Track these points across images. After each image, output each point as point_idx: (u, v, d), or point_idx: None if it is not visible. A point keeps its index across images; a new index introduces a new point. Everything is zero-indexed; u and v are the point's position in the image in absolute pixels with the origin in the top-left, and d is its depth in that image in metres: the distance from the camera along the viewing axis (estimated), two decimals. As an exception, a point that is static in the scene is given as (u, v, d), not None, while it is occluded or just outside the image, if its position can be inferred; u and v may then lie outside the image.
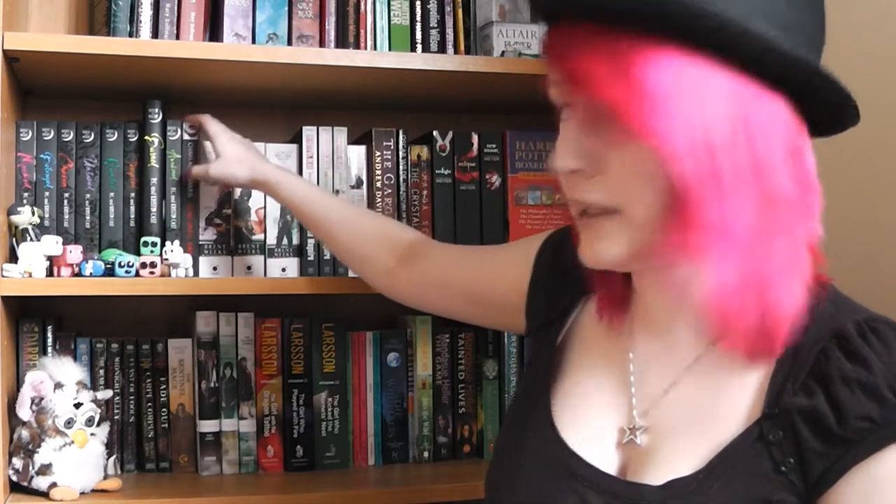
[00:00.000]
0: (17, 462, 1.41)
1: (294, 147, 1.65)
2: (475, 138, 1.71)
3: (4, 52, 1.41)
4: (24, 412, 1.41)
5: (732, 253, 0.78)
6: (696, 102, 0.77)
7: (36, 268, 1.42)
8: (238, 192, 1.61)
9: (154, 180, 1.56)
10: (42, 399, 1.43)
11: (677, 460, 0.83)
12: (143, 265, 1.47)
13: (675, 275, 0.86)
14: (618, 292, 0.94)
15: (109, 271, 1.47)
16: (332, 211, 1.39)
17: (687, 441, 0.84)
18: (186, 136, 1.58)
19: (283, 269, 1.62)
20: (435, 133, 1.70)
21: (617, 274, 0.93)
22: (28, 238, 1.45)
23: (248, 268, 1.61)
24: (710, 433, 0.83)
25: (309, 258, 1.63)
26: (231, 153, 1.49)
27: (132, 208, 1.57)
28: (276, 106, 1.77)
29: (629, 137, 0.79)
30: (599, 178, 0.82)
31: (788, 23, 0.79)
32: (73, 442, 1.42)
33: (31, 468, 1.41)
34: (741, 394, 0.84)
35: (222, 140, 1.50)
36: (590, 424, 0.91)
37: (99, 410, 1.47)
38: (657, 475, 0.83)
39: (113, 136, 1.57)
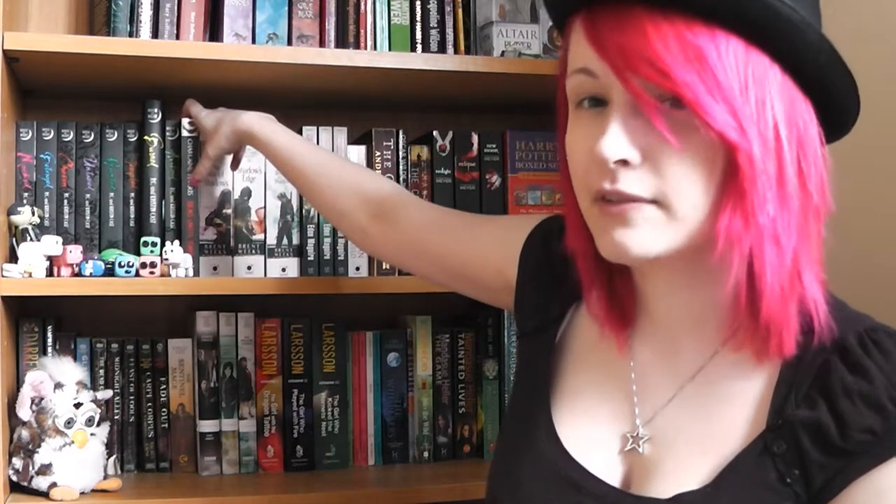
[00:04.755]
0: (17, 462, 1.41)
1: (294, 147, 1.65)
2: (475, 138, 1.71)
3: (4, 52, 1.41)
4: (24, 412, 1.41)
5: (780, 249, 0.78)
6: (764, 98, 0.77)
7: (36, 268, 1.42)
8: (238, 192, 1.61)
9: (153, 180, 1.56)
10: (42, 399, 1.43)
11: (683, 473, 0.83)
12: (143, 265, 1.47)
13: (697, 271, 0.84)
14: (626, 299, 0.91)
15: (109, 271, 1.47)
16: (311, 161, 1.35)
17: (692, 453, 0.83)
18: (185, 134, 1.58)
19: (283, 269, 1.62)
20: (435, 133, 1.70)
21: (626, 278, 0.91)
22: (28, 238, 1.45)
23: (249, 268, 1.61)
24: (715, 445, 0.83)
25: (309, 258, 1.63)
26: (210, 125, 1.50)
27: (132, 208, 1.57)
28: (276, 106, 1.76)
29: (691, 130, 0.76)
30: (646, 169, 0.78)
31: (819, 25, 0.81)
32: (73, 442, 1.42)
33: (31, 468, 1.41)
34: (745, 405, 0.83)
35: (201, 118, 1.53)
36: (592, 432, 0.90)
37: (99, 410, 1.47)
38: (664, 488, 0.83)
39: (113, 136, 1.57)
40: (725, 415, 0.83)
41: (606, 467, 0.87)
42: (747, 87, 0.76)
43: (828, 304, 0.82)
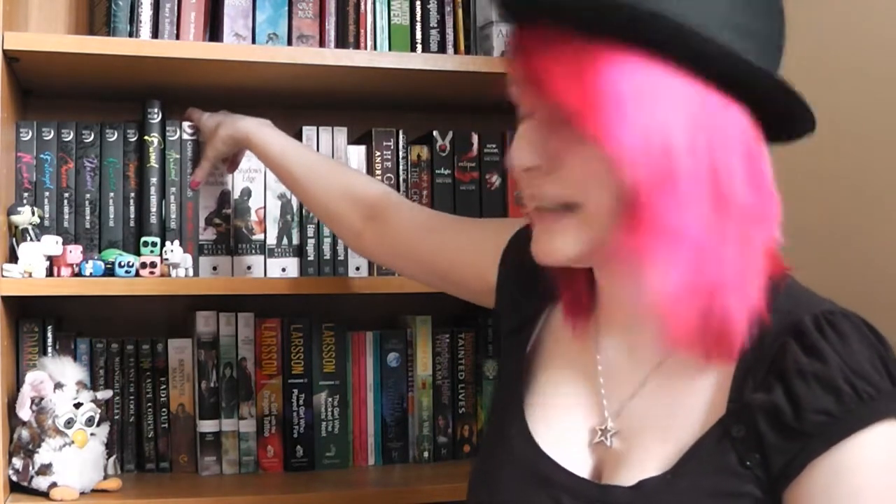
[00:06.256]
0: (17, 462, 1.42)
1: (294, 147, 1.65)
2: (475, 138, 1.71)
3: (4, 52, 1.41)
4: (24, 412, 1.41)
5: (684, 257, 0.79)
6: (651, 107, 0.78)
7: (36, 268, 1.42)
8: (238, 192, 1.61)
9: (154, 180, 1.57)
10: (42, 399, 1.43)
11: (647, 461, 0.84)
12: (143, 265, 1.47)
13: (637, 271, 0.85)
14: (582, 293, 0.94)
15: (109, 271, 1.47)
16: (303, 165, 1.38)
17: (656, 441, 0.85)
18: (186, 136, 1.59)
19: (283, 269, 1.63)
20: (435, 133, 1.70)
21: (581, 274, 0.93)
22: (28, 238, 1.45)
23: (248, 268, 1.61)
24: (677, 432, 0.84)
25: (309, 258, 1.63)
26: (209, 129, 1.53)
27: (132, 208, 1.58)
28: (276, 106, 1.77)
29: (584, 140, 0.80)
30: (556, 174, 0.83)
31: (746, 29, 0.79)
32: (73, 442, 1.42)
33: (31, 468, 1.41)
34: (706, 391, 0.84)
35: (202, 121, 1.56)
36: (563, 427, 0.92)
37: (99, 410, 1.47)
38: (628, 476, 0.84)
39: (113, 136, 1.57)
40: (687, 402, 0.85)
41: (577, 460, 0.89)
42: (623, 98, 0.77)
43: (787, 290, 0.84)
